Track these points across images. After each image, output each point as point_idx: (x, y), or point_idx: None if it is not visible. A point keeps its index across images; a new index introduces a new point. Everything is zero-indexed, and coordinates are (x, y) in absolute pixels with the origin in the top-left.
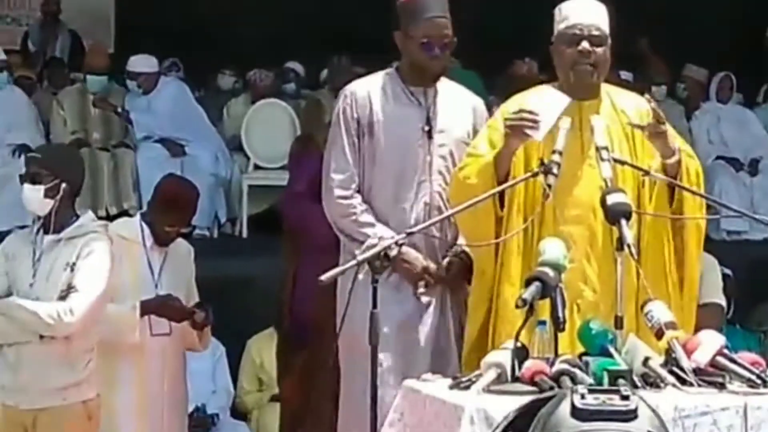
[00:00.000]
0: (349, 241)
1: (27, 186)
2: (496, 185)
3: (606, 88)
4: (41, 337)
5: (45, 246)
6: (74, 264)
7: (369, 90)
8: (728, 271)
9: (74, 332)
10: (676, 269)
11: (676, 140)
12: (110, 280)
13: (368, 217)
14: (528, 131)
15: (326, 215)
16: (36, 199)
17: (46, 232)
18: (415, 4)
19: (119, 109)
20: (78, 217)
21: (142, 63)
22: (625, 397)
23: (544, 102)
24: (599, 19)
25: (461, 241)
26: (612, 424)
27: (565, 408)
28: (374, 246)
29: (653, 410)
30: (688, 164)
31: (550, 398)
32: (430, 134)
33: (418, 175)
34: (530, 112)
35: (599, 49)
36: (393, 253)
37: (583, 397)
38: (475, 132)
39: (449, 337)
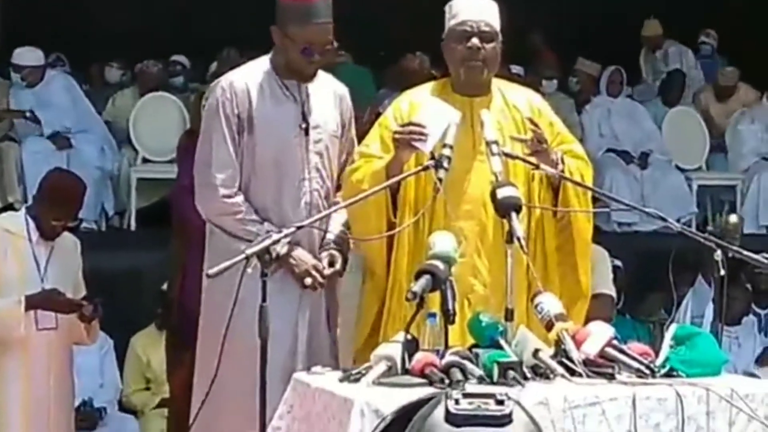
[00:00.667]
0: (232, 238)
1: None
2: (388, 193)
3: (497, 84)
4: None
5: None
6: None
7: (247, 83)
8: (618, 263)
9: None
10: (565, 262)
11: (566, 140)
12: None
13: (254, 215)
14: (416, 144)
15: (200, 210)
16: None
17: None
18: (300, 7)
19: (27, 113)
20: None
21: (27, 56)
22: (500, 402)
23: (433, 113)
24: (489, 15)
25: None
26: (486, 430)
27: (439, 413)
28: (262, 241)
29: (529, 415)
30: (571, 167)
31: (425, 402)
32: (306, 131)
33: (297, 173)
34: (418, 125)
35: (489, 46)
36: (282, 251)
37: (457, 402)
38: (343, 123)
39: (323, 330)
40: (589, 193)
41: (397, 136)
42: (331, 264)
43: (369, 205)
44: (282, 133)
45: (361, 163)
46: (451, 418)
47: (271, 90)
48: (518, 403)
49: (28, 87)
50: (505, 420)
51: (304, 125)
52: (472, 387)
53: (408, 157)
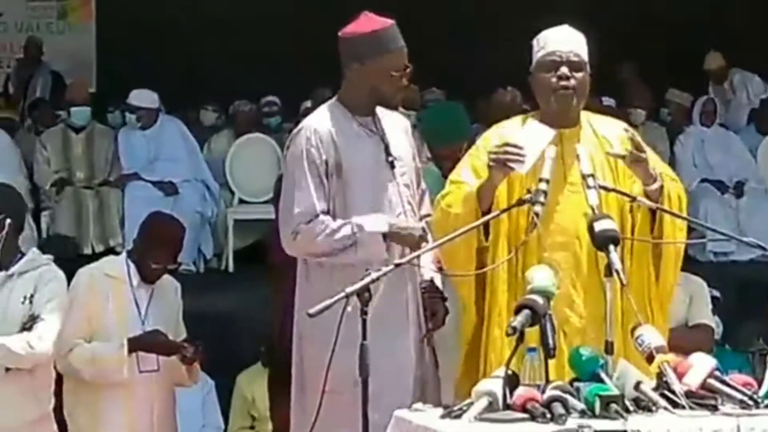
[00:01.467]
0: (335, 255)
1: None
2: (480, 216)
3: (586, 116)
4: (7, 370)
5: None
6: (32, 296)
7: (329, 128)
8: (717, 293)
9: (42, 361)
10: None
11: (657, 165)
12: (82, 313)
13: (337, 222)
14: (512, 164)
15: (292, 253)
16: None
17: None
18: (375, 37)
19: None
20: (23, 253)
21: (143, 97)
22: None
23: (528, 134)
24: (577, 46)
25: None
26: None
27: None
28: (361, 279)
29: None
30: (669, 189)
31: None
32: (392, 164)
33: (392, 208)
34: (514, 146)
35: (578, 74)
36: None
37: None
38: (413, 155)
39: (430, 367)
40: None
41: (492, 156)
42: (434, 314)
43: (461, 246)
44: (372, 170)
45: (452, 189)
46: None
47: (352, 130)
48: None
49: (142, 129)
50: None
51: (389, 159)
52: (612, 423)
53: (502, 178)
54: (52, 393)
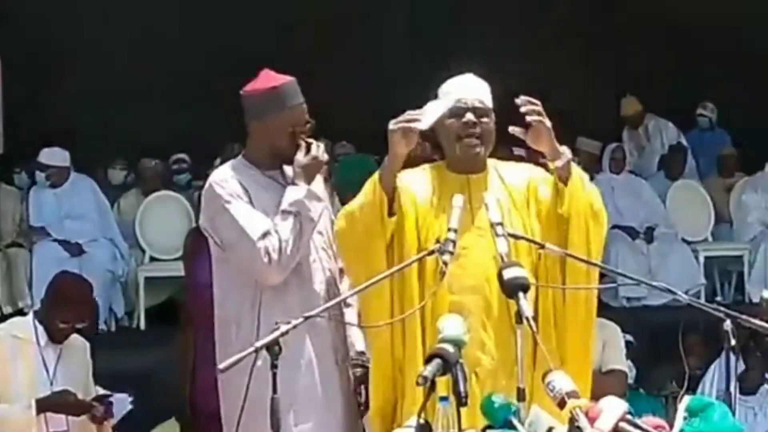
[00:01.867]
0: (302, 242)
1: None
2: (384, 198)
3: (492, 162)
4: None
5: None
6: None
7: (238, 179)
8: (630, 338)
9: None
10: (571, 336)
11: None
12: None
13: (275, 221)
14: (412, 125)
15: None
16: None
17: None
18: (272, 94)
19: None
20: None
21: (55, 156)
22: None
23: (426, 106)
24: (482, 93)
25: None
26: None
27: None
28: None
29: None
30: (581, 175)
31: None
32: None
33: (307, 258)
34: (413, 111)
35: (484, 120)
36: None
37: None
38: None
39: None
40: (599, 244)
41: (392, 125)
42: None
43: (368, 226)
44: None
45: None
46: None
47: (259, 183)
48: None
49: (52, 187)
50: None
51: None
52: None
53: (404, 148)
54: None
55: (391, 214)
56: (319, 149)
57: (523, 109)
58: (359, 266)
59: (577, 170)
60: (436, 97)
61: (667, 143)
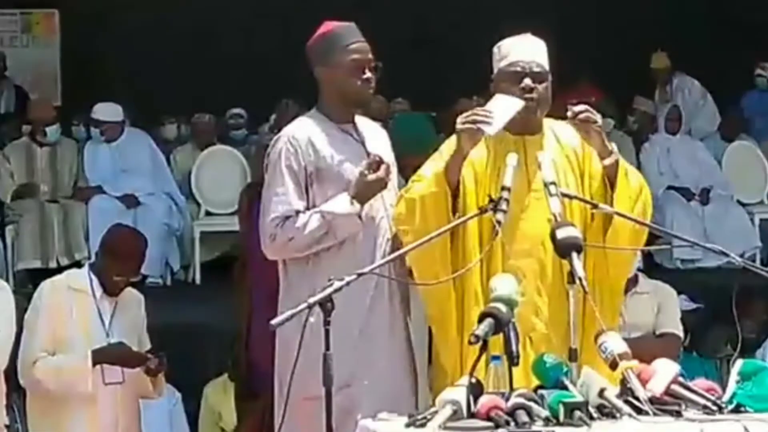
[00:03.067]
0: (314, 247)
1: None
2: (448, 192)
3: (548, 123)
4: None
5: None
6: None
7: (308, 134)
8: (692, 304)
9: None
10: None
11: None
12: (47, 326)
13: (306, 215)
14: (481, 126)
15: (274, 257)
16: None
17: None
18: (333, 36)
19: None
20: None
21: (108, 111)
22: None
23: (496, 102)
24: (539, 56)
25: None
26: None
27: None
28: (324, 289)
29: None
30: (627, 168)
31: None
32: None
33: (375, 212)
34: (483, 109)
35: (541, 86)
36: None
37: None
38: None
39: (409, 373)
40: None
41: (461, 120)
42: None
43: (430, 220)
44: (352, 175)
45: (415, 179)
46: None
47: (331, 136)
48: None
49: (107, 142)
50: None
51: None
52: (542, 429)
53: (470, 147)
54: (3, 407)
55: (455, 210)
56: (386, 170)
57: (570, 114)
58: (416, 253)
59: (624, 169)
60: (491, 57)
61: (691, 102)
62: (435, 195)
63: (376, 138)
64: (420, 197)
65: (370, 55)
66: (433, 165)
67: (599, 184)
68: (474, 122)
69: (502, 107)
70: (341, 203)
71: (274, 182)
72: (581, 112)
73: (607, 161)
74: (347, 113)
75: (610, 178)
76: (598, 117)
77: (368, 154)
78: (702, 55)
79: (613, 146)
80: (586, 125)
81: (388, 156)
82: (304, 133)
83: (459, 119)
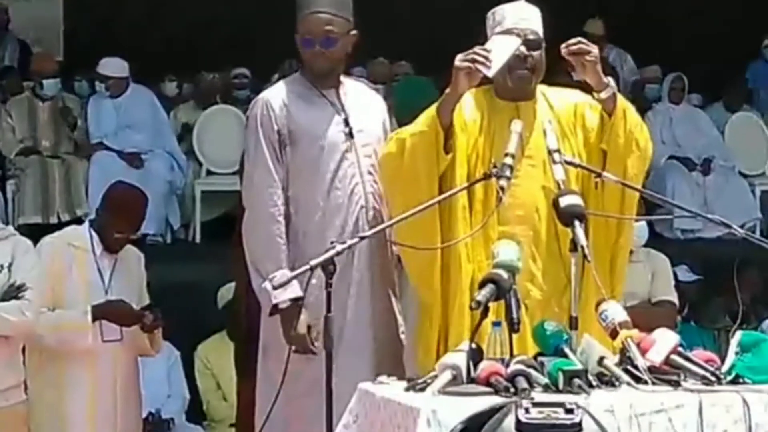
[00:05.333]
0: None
1: None
2: (440, 132)
3: (541, 89)
4: None
5: None
6: (10, 264)
7: (283, 98)
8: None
9: (29, 330)
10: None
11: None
12: (46, 282)
13: (276, 250)
14: (479, 67)
15: (245, 233)
16: None
17: None
18: (300, 1)
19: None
20: None
21: (113, 66)
22: (569, 411)
23: (495, 42)
24: (534, 22)
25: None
26: None
27: (509, 422)
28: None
29: (598, 423)
30: (626, 107)
31: (494, 411)
32: (351, 134)
33: (349, 179)
34: (483, 49)
35: (536, 53)
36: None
37: (527, 411)
38: (385, 130)
39: (396, 339)
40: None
41: (460, 58)
42: None
43: (419, 158)
44: (329, 140)
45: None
46: (521, 428)
47: (309, 100)
48: (587, 411)
49: (111, 97)
50: (575, 429)
51: (347, 130)
52: (540, 396)
53: (466, 86)
54: (21, 362)
55: (446, 150)
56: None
57: (563, 47)
58: (400, 195)
59: (623, 103)
60: (485, 23)
61: (623, 76)
62: (425, 134)
63: (366, 103)
64: (410, 135)
65: (327, 27)
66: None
67: (596, 138)
68: (473, 61)
69: (501, 48)
70: (270, 290)
71: (253, 148)
72: (574, 44)
73: (604, 94)
74: (320, 78)
75: (607, 111)
76: (592, 48)
77: (346, 117)
78: (707, 24)
79: (609, 79)
80: (579, 57)
81: (375, 122)
82: (280, 96)
83: (458, 57)
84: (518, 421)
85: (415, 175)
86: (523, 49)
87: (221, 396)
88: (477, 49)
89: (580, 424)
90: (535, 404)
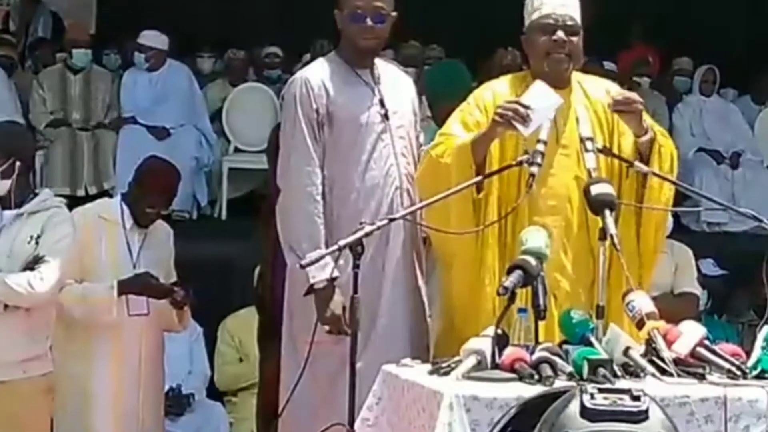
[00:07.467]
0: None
1: None
2: (473, 168)
3: (576, 76)
4: (5, 307)
5: (6, 221)
6: (39, 237)
7: (322, 78)
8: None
9: (41, 302)
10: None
11: (647, 120)
12: (75, 254)
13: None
14: (517, 124)
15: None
16: None
17: (6, 209)
18: None
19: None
20: (36, 193)
21: (154, 39)
22: (636, 398)
23: (537, 97)
24: (572, 9)
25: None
26: (623, 425)
27: (574, 407)
28: (356, 232)
29: (664, 412)
30: (661, 143)
31: (555, 395)
32: (386, 116)
33: (384, 160)
34: (525, 106)
35: (573, 39)
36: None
37: (592, 396)
38: (415, 111)
39: (422, 322)
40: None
41: (499, 111)
42: None
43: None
44: (364, 119)
45: (442, 140)
46: (587, 414)
47: (345, 80)
48: (654, 399)
49: (149, 70)
50: (642, 416)
51: (383, 111)
52: (607, 382)
53: (501, 134)
54: (50, 334)
55: (478, 189)
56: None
57: (610, 102)
58: (434, 211)
59: (657, 142)
60: (522, 8)
61: None
62: (460, 168)
63: (398, 85)
64: (445, 165)
65: (378, 3)
66: (460, 128)
67: (628, 142)
68: (513, 118)
69: (542, 106)
70: (319, 269)
71: (291, 127)
72: (622, 102)
73: (642, 139)
74: (360, 58)
75: (642, 154)
76: (638, 100)
77: (381, 98)
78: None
79: (647, 122)
80: (627, 109)
81: (407, 104)
82: (318, 75)
83: (498, 108)
84: (583, 407)
85: (448, 205)
86: (561, 34)
87: (241, 366)
88: (516, 105)
89: (646, 411)
90: (601, 390)
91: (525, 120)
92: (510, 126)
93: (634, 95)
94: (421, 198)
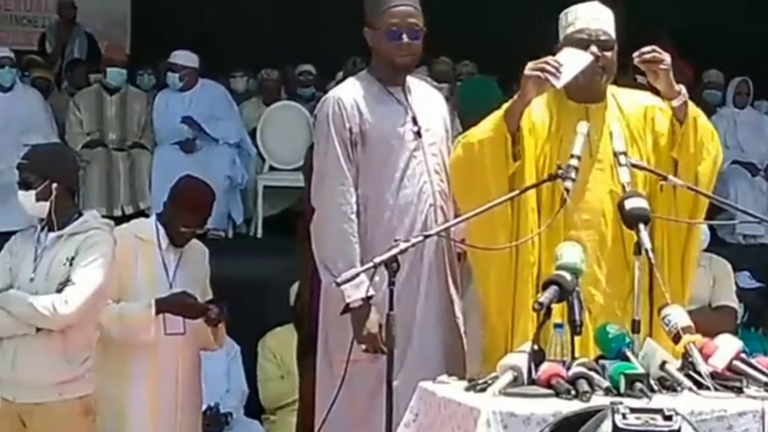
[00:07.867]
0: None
1: (20, 192)
2: (508, 138)
3: (610, 89)
4: (38, 330)
5: (48, 243)
6: (73, 258)
7: (354, 97)
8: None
9: (70, 325)
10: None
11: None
12: (111, 275)
13: (348, 249)
14: (549, 77)
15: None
16: (29, 204)
17: (50, 230)
18: None
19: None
20: (81, 214)
21: (186, 58)
22: (668, 417)
23: (566, 55)
24: (606, 24)
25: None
26: None
27: (606, 427)
28: (390, 249)
29: (696, 431)
30: (697, 114)
31: (588, 415)
32: (419, 133)
33: (417, 177)
34: (555, 59)
35: (608, 54)
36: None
37: (624, 416)
38: (447, 128)
39: (457, 339)
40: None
41: (530, 66)
42: None
43: (487, 164)
44: (397, 138)
45: (469, 133)
46: None
47: (378, 98)
48: (686, 418)
49: (182, 90)
50: None
51: (415, 129)
52: (638, 402)
53: (533, 94)
54: (88, 357)
55: (515, 157)
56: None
57: (636, 55)
58: (471, 199)
59: (694, 111)
60: (557, 22)
61: None
62: (493, 140)
63: (429, 102)
64: (478, 141)
65: (412, 20)
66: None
67: (666, 143)
68: (543, 70)
69: (572, 60)
70: (350, 289)
71: (324, 146)
72: (648, 51)
73: (675, 102)
74: (394, 75)
75: (678, 119)
76: (665, 56)
77: (414, 116)
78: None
79: (681, 87)
80: (653, 65)
81: (439, 121)
82: (351, 95)
83: (528, 66)
84: (615, 427)
85: (485, 180)
86: (595, 49)
87: (283, 384)
88: (548, 58)
89: (679, 431)
90: (633, 410)
91: (557, 71)
92: (541, 80)
93: (661, 52)
94: (454, 190)
